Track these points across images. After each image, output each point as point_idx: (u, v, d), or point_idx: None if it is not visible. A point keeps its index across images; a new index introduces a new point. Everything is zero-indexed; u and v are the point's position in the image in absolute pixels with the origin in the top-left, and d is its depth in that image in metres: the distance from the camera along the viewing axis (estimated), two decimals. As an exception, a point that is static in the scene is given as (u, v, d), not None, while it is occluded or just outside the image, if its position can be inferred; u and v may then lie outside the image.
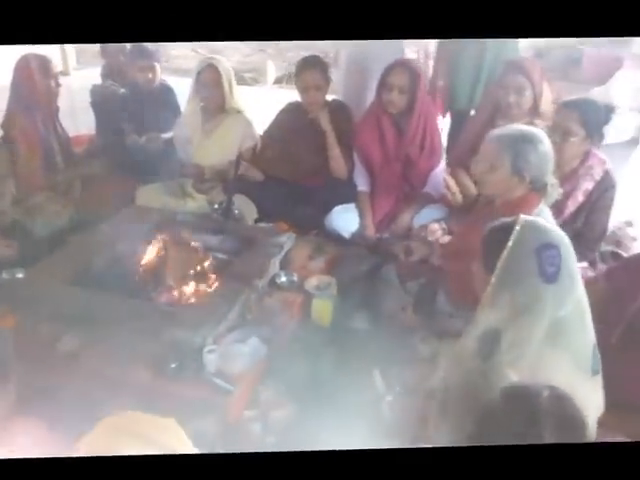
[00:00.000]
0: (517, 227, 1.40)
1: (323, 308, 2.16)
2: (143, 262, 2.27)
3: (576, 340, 1.40)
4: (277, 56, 7.56)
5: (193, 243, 2.31)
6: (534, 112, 2.57)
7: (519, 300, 1.36)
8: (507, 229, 1.42)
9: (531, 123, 2.54)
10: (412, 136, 2.79)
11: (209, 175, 3.02)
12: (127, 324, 1.91)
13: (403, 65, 2.70)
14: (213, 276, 2.28)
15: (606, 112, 2.29)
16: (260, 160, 3.06)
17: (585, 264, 2.24)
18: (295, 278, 2.30)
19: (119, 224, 2.53)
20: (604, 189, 2.26)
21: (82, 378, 1.79)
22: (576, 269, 1.43)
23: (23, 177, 2.90)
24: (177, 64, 7.14)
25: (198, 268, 2.24)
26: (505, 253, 1.38)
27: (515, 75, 2.56)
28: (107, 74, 3.42)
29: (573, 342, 1.40)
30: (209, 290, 2.21)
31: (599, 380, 1.44)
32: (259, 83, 6.75)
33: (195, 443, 1.05)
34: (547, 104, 2.59)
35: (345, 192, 2.95)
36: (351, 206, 2.92)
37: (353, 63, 3.25)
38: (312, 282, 2.28)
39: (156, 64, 3.23)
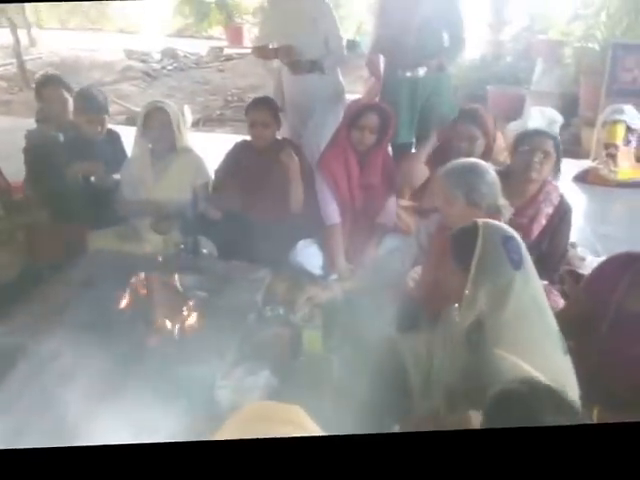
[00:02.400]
0: (480, 226, 1.55)
1: (313, 339, 2.20)
2: (123, 305, 2.19)
3: (546, 321, 1.55)
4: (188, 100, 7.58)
5: (174, 283, 2.26)
6: (487, 158, 2.77)
7: (496, 289, 1.50)
8: (469, 231, 1.58)
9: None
10: (374, 170, 2.94)
11: (165, 215, 2.97)
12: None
13: (374, 108, 2.86)
14: (196, 314, 2.25)
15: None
16: (215, 198, 3.07)
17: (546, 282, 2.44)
18: (282, 311, 2.32)
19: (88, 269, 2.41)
20: (563, 212, 2.45)
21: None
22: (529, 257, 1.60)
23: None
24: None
25: (184, 307, 2.20)
26: (477, 249, 1.52)
27: (468, 125, 2.71)
28: (42, 119, 3.28)
29: (545, 323, 1.55)
30: (197, 329, 2.18)
31: (570, 360, 1.57)
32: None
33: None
34: (500, 152, 2.82)
35: (304, 227, 3.02)
36: (311, 241, 2.99)
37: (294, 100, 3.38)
38: (298, 314, 2.32)
39: (105, 116, 3.17)
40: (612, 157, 4.10)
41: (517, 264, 1.50)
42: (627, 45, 4.58)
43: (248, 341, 2.11)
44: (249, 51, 10.02)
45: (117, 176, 3.11)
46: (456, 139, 2.74)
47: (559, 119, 4.48)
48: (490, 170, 2.09)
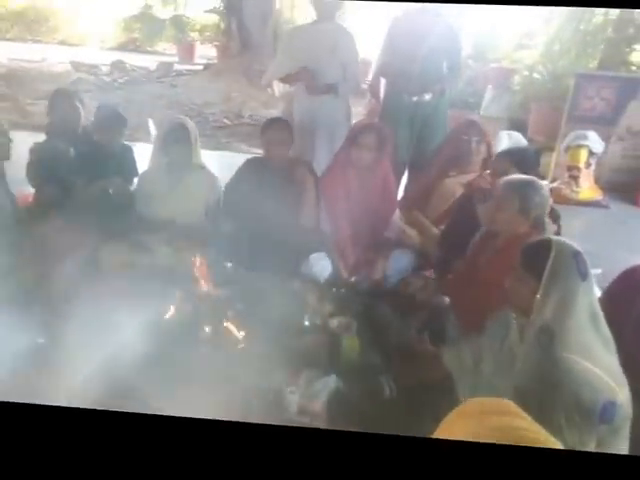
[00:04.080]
0: (553, 241, 1.76)
1: (353, 345, 2.31)
2: (169, 316, 2.23)
3: (603, 328, 1.73)
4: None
5: (214, 293, 2.32)
6: (486, 164, 3.06)
7: (564, 297, 1.69)
8: (542, 244, 1.77)
9: (480, 176, 3.04)
10: (375, 187, 3.11)
11: (178, 228, 3.00)
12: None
13: (373, 128, 3.03)
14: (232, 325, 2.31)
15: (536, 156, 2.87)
16: (227, 213, 3.13)
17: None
18: (318, 321, 2.42)
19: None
20: (555, 218, 2.70)
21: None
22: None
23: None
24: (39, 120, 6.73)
25: (227, 318, 2.26)
26: (550, 261, 1.71)
27: (475, 128, 3.03)
28: (52, 132, 3.23)
29: (602, 330, 1.74)
30: (240, 338, 2.24)
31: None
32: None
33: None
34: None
35: (312, 240, 3.13)
36: (322, 254, 3.10)
37: (304, 120, 3.52)
38: (334, 323, 2.42)
39: (124, 130, 3.18)
40: (574, 178, 4.50)
41: (584, 276, 1.69)
42: (589, 75, 5.05)
43: (292, 349, 2.19)
44: (200, 67, 10.15)
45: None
46: (466, 141, 3.02)
47: (524, 142, 4.85)
48: (545, 188, 2.32)
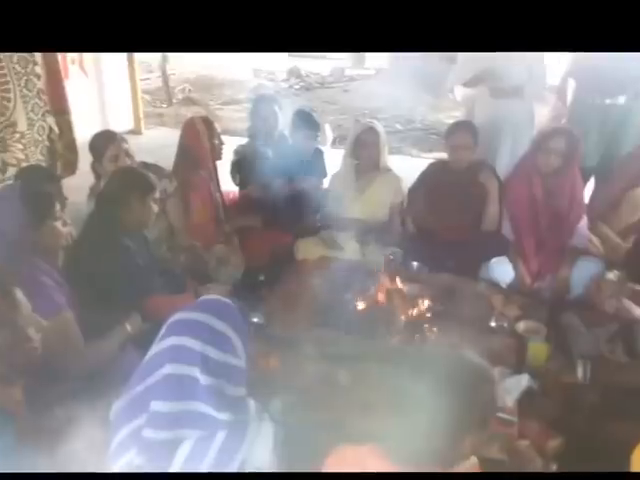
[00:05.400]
0: None
1: (539, 351, 2.32)
2: (363, 307, 2.43)
3: None
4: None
5: (407, 290, 2.47)
6: None
7: None
8: None
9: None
10: (562, 194, 3.06)
11: (366, 227, 3.21)
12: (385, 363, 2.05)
13: (562, 132, 2.98)
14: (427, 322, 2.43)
15: None
16: (409, 214, 3.28)
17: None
18: (506, 324, 2.47)
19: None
20: None
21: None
22: None
23: (196, 229, 3.04)
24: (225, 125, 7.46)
25: (419, 314, 2.40)
26: None
27: None
28: (253, 135, 3.63)
29: None
30: (431, 335, 2.36)
31: None
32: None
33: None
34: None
35: (493, 244, 3.17)
36: (504, 259, 3.12)
37: (487, 122, 3.55)
38: (521, 326, 2.45)
39: (319, 133, 3.48)
40: None
41: None
42: None
43: (481, 348, 2.25)
44: (372, 72, 10.46)
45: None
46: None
47: None
48: None
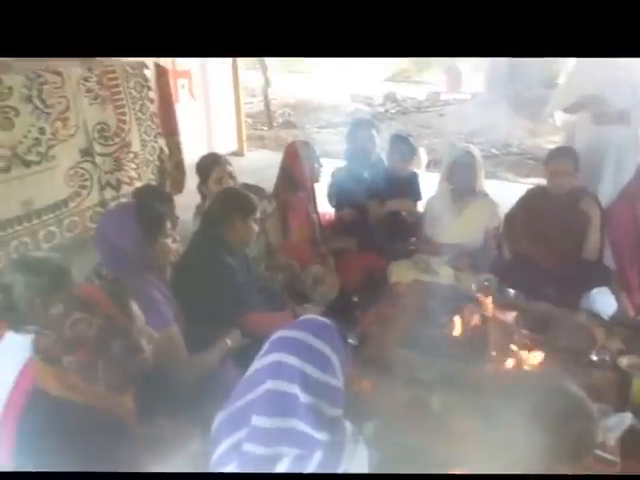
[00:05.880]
0: None
1: (644, 388, 2.20)
2: (457, 333, 2.42)
3: None
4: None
5: (503, 317, 2.43)
6: None
7: None
8: None
9: None
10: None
11: (460, 252, 3.19)
12: (478, 390, 2.02)
13: None
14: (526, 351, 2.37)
15: None
16: (506, 240, 3.22)
17: None
18: (608, 357, 2.36)
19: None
20: None
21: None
22: None
23: (294, 249, 3.16)
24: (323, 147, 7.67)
25: (514, 342, 2.35)
26: None
27: None
28: (350, 158, 3.73)
29: None
30: (528, 365, 2.30)
31: None
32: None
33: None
34: None
35: (595, 274, 3.04)
36: (605, 289, 2.98)
37: (589, 148, 3.43)
38: (624, 361, 2.33)
39: (415, 157, 3.54)
40: None
41: None
42: None
43: (580, 382, 2.17)
44: (467, 97, 10.37)
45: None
46: None
47: None
48: None
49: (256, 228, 2.60)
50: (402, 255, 3.30)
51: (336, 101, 10.88)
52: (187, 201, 3.40)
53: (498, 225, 3.29)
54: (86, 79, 3.61)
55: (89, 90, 3.62)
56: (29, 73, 3.31)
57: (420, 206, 3.59)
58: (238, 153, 6.34)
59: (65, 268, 1.79)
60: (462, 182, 3.23)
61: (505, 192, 3.48)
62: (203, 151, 3.33)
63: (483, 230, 3.28)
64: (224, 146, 6.26)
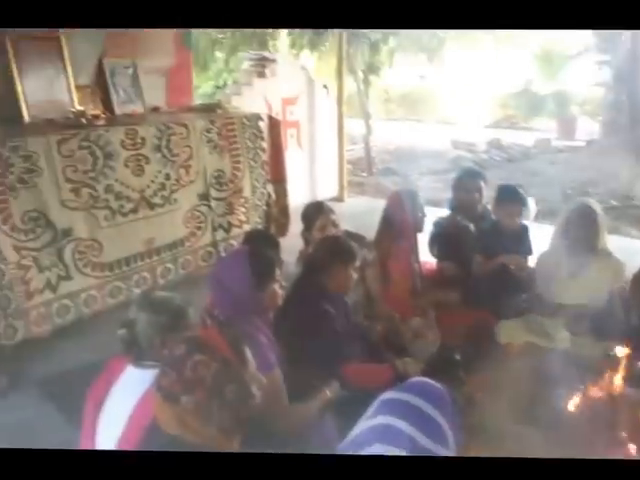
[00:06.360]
0: None
1: None
2: (576, 407, 2.15)
3: None
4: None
5: (634, 395, 2.14)
6: None
7: None
8: None
9: None
10: None
11: (579, 315, 2.90)
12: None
13: None
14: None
15: None
16: (635, 303, 2.89)
17: None
18: None
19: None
20: None
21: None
22: None
23: (394, 299, 3.03)
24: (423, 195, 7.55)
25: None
26: None
27: None
28: (455, 208, 3.59)
29: None
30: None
31: None
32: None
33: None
34: None
35: None
36: None
37: None
38: None
39: (524, 208, 3.34)
40: None
41: None
42: None
43: None
44: (582, 144, 9.85)
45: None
46: None
47: None
48: None
49: (355, 276, 2.57)
50: (512, 313, 3.05)
51: (438, 147, 10.75)
52: (290, 244, 3.40)
53: (624, 286, 2.96)
54: (208, 130, 3.95)
55: (210, 140, 3.96)
56: (160, 125, 3.67)
57: (531, 261, 3.34)
58: (338, 199, 6.36)
59: (184, 308, 1.85)
60: (581, 238, 2.96)
61: (629, 249, 3.14)
62: (306, 196, 3.36)
63: (606, 291, 2.96)
64: (325, 192, 6.32)
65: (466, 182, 3.55)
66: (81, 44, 3.95)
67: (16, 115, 3.55)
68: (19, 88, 3.57)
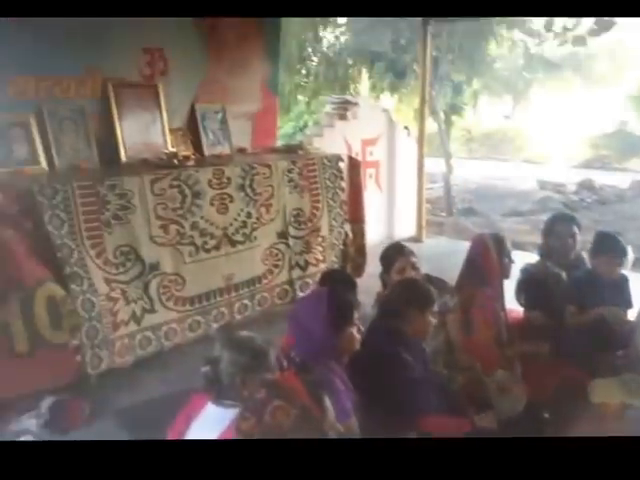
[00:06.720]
0: None
1: None
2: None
3: None
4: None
5: None
6: None
7: None
8: None
9: None
10: None
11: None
12: None
13: None
14: None
15: None
16: None
17: None
18: None
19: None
20: None
21: None
22: None
23: (476, 349, 2.89)
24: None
25: None
26: None
27: None
28: (545, 254, 3.43)
29: None
30: None
31: None
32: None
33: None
34: None
35: None
36: None
37: None
38: None
39: (625, 259, 3.15)
40: None
41: None
42: None
43: None
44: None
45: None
46: None
47: None
48: None
49: (434, 321, 2.52)
50: (608, 371, 2.82)
51: (523, 187, 10.43)
52: (366, 285, 3.36)
53: None
54: (290, 170, 4.05)
55: (291, 180, 4.06)
56: (245, 166, 3.81)
57: (630, 315, 3.10)
58: (417, 239, 6.26)
59: (265, 349, 1.86)
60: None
61: None
62: (383, 236, 3.32)
63: None
64: (403, 231, 6.24)
65: (559, 227, 3.39)
66: (176, 91, 4.19)
67: (114, 156, 3.77)
68: (118, 131, 3.80)
